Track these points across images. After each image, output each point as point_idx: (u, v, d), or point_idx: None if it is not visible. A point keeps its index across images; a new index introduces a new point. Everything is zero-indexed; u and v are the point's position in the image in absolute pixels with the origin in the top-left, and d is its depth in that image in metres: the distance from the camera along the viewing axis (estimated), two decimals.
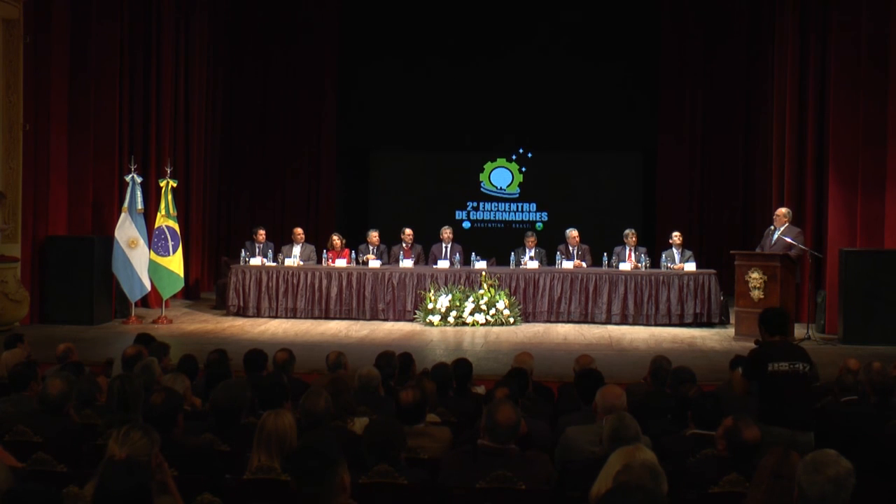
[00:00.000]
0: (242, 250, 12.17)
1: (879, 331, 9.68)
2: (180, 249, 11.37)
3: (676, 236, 11.73)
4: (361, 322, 11.28)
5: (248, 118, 15.43)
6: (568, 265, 11.55)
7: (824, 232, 11.09)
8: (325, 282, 11.52)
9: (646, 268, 11.46)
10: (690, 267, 11.37)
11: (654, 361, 6.06)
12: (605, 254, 11.67)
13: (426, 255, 12.24)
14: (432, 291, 11.14)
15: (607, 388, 4.50)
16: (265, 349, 6.17)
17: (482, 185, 15.83)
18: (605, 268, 11.52)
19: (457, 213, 15.71)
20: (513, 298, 11.20)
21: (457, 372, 5.74)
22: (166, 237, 11.22)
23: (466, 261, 11.88)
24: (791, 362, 4.78)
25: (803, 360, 4.83)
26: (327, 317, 11.45)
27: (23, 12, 10.34)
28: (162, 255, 11.18)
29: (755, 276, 9.82)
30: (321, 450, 2.96)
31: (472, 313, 10.97)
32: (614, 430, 3.80)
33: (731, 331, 10.57)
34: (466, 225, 15.68)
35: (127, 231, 10.99)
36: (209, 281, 14.32)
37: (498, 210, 15.84)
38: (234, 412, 4.42)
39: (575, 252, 11.87)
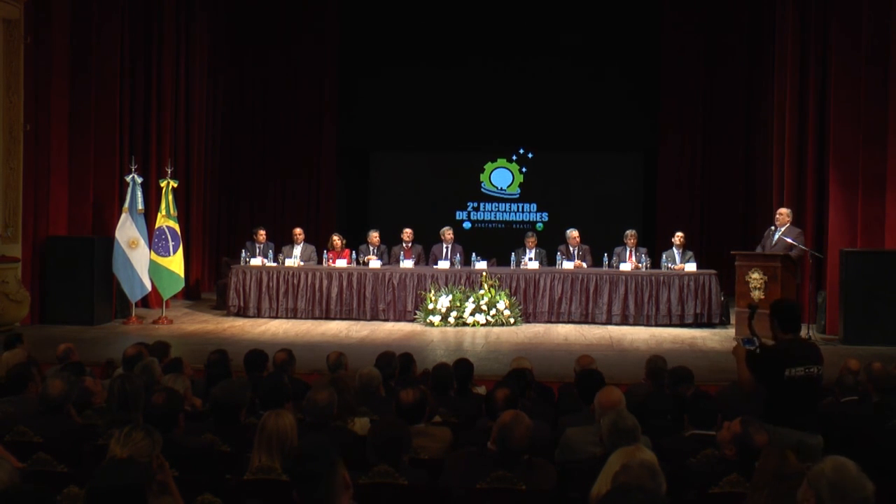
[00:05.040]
0: (243, 250, 12.17)
1: (880, 331, 9.66)
2: (181, 250, 11.37)
3: (678, 237, 11.71)
4: (362, 322, 11.28)
5: (249, 118, 15.44)
6: (568, 265, 11.55)
7: (825, 232, 11.07)
8: (325, 282, 11.51)
9: (646, 268, 11.46)
10: (691, 267, 11.36)
11: (650, 361, 6.06)
12: (606, 254, 11.67)
13: (426, 255, 12.24)
14: (433, 292, 11.14)
15: (605, 389, 4.51)
16: (265, 349, 6.17)
17: (482, 185, 15.83)
18: (605, 268, 11.53)
19: (457, 213, 15.71)
20: (513, 299, 11.20)
21: (457, 372, 5.74)
22: (167, 237, 11.22)
23: (467, 261, 11.88)
24: (807, 367, 4.52)
25: (817, 363, 4.58)
26: (328, 317, 11.45)
27: (23, 12, 10.34)
28: (162, 256, 11.19)
29: (755, 277, 9.81)
30: (319, 452, 2.92)
31: (472, 314, 10.97)
32: (613, 423, 3.82)
33: (731, 331, 10.57)
34: (467, 225, 15.68)
35: (127, 231, 11.00)
36: (209, 281, 14.33)
37: (498, 210, 15.83)
38: (235, 409, 4.42)
39: (575, 252, 11.86)
